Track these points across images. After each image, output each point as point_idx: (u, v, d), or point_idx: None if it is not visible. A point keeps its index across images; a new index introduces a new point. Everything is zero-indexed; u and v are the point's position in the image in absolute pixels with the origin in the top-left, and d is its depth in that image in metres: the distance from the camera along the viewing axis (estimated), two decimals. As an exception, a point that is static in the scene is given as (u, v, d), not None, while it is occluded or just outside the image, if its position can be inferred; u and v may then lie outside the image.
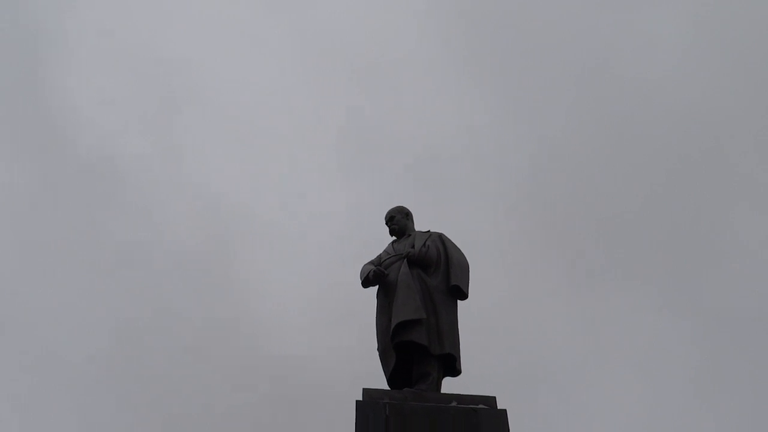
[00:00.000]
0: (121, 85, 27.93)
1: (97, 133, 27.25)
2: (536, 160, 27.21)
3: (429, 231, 9.31)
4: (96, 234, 25.87)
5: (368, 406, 7.36)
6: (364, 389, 7.66)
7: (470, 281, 8.82)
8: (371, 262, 9.12)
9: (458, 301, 8.75)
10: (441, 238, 9.12)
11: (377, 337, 8.61)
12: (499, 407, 7.60)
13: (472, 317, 9.71)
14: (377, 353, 8.60)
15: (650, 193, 26.10)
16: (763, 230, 24.37)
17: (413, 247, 8.90)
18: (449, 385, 8.43)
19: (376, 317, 8.71)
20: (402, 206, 9.68)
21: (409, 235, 9.29)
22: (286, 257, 27.49)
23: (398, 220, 9.45)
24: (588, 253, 25.44)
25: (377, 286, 8.87)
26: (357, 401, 7.42)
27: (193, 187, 27.68)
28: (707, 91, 26.19)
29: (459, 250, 9.07)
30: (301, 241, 27.48)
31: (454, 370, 8.37)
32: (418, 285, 8.51)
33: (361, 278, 8.99)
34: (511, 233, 24.62)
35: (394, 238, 9.45)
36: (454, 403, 7.56)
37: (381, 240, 9.40)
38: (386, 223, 9.54)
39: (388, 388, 8.11)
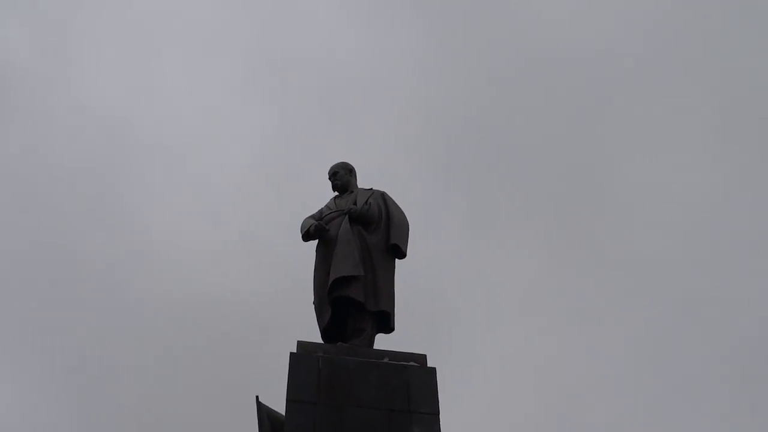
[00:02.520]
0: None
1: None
2: (442, 97, 27.58)
3: (372, 189, 9.37)
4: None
5: (302, 359, 7.49)
6: (298, 342, 7.77)
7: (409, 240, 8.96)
8: (312, 216, 9.15)
9: (396, 260, 8.90)
10: (383, 196, 9.20)
11: (314, 291, 8.68)
12: (429, 365, 7.82)
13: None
14: (312, 306, 8.70)
15: (549, 136, 26.83)
16: (653, 177, 25.52)
17: (355, 203, 8.95)
18: (382, 342, 8.61)
19: (314, 271, 8.78)
20: (346, 162, 9.70)
21: (352, 191, 9.33)
22: (189, 183, 26.76)
23: (341, 176, 9.47)
24: (486, 192, 26.15)
25: (317, 241, 8.92)
26: (291, 353, 7.54)
27: (86, 104, 26.39)
28: (611, 36, 26.79)
29: (400, 209, 9.17)
30: (205, 168, 26.84)
31: (388, 327, 8.53)
32: (357, 242, 8.59)
33: (301, 232, 9.02)
34: (413, 169, 24.83)
35: (336, 193, 9.48)
36: (386, 359, 7.74)
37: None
38: (329, 178, 9.55)
39: (322, 342, 8.24)
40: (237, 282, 24.03)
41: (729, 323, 22.56)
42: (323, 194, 9.62)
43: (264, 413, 8.20)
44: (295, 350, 7.63)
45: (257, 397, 8.43)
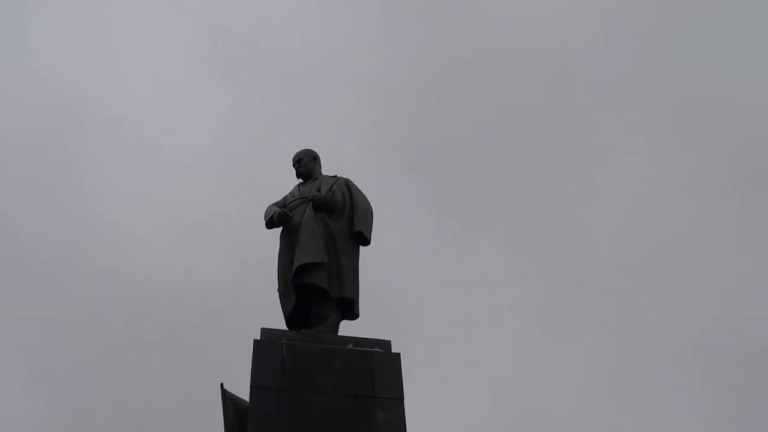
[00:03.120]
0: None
1: None
2: (402, 84, 27.52)
3: (336, 176, 9.35)
4: None
5: (265, 346, 7.46)
6: (262, 329, 7.73)
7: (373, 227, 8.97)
8: (276, 204, 9.11)
9: (360, 247, 8.90)
10: (347, 183, 9.19)
11: (278, 278, 8.66)
12: (393, 351, 7.85)
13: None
14: (277, 293, 8.67)
15: (512, 125, 27.06)
16: (611, 174, 25.96)
17: (319, 191, 8.93)
18: (348, 329, 8.62)
19: (279, 258, 8.75)
20: (310, 149, 9.66)
21: (316, 178, 9.31)
22: (140, 163, 26.36)
23: (306, 163, 9.43)
24: (448, 180, 26.30)
25: (281, 228, 8.89)
26: (255, 340, 7.50)
27: (38, 81, 25.90)
28: (571, 31, 27.10)
29: (364, 196, 9.17)
30: (161, 146, 26.44)
31: (352, 314, 8.54)
32: (321, 229, 8.57)
33: (265, 219, 8.97)
34: (373, 156, 24.89)
35: (300, 180, 9.45)
36: (350, 346, 7.75)
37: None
38: (293, 165, 9.51)
39: (287, 329, 8.22)
40: (197, 264, 23.85)
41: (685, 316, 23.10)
42: (281, 174, 9.56)
43: (228, 400, 8.16)
44: (258, 337, 7.59)
45: (222, 384, 8.38)
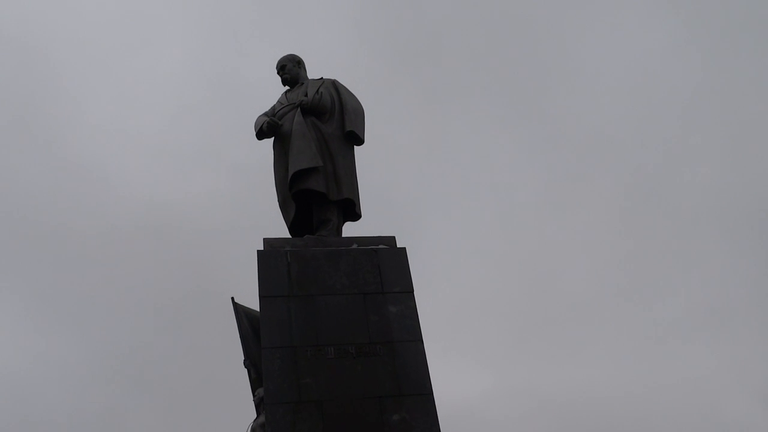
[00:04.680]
0: None
1: None
2: None
3: (322, 78, 9.10)
4: None
5: (270, 255, 7.41)
6: (264, 239, 7.66)
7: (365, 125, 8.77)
8: (265, 114, 8.91)
9: (355, 147, 8.74)
10: (334, 84, 8.94)
11: (276, 188, 8.56)
12: (398, 245, 7.80)
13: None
14: (277, 204, 8.59)
15: (499, 9, 26.27)
16: (599, 48, 25.32)
17: (306, 95, 8.70)
18: (352, 229, 8.57)
19: (274, 168, 8.62)
20: (293, 54, 9.38)
21: (302, 83, 9.07)
22: (124, 83, 26.02)
23: (289, 69, 9.17)
24: (437, 69, 25.76)
25: (273, 138, 8.72)
26: (258, 251, 7.44)
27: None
28: None
29: (353, 95, 8.93)
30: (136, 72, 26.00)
31: (354, 215, 8.47)
32: (313, 133, 8.39)
33: (255, 130, 8.80)
34: (358, 51, 24.38)
35: (287, 87, 9.22)
36: (354, 246, 7.69)
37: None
38: (278, 73, 9.26)
39: (289, 237, 8.18)
40: (191, 185, 23.84)
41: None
42: (266, 80, 9.31)
43: (241, 313, 8.25)
44: (262, 248, 7.54)
45: (233, 298, 8.46)
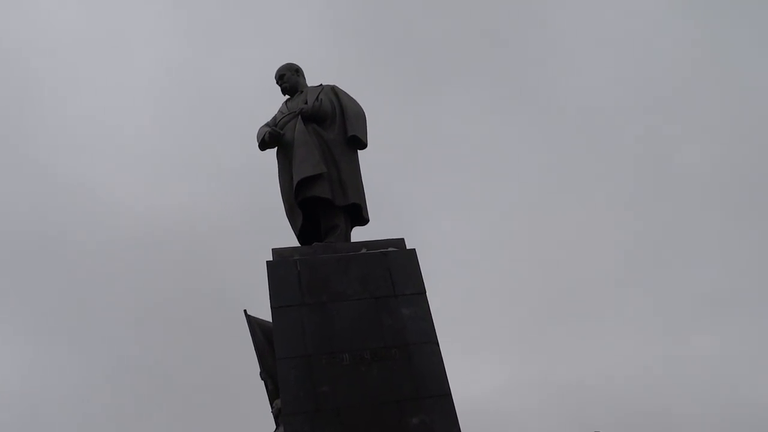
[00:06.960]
0: None
1: None
2: None
3: (321, 85, 9.07)
4: None
5: (279, 265, 7.36)
6: (273, 249, 7.62)
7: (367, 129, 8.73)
8: (267, 124, 8.89)
9: (359, 151, 8.70)
10: (334, 89, 8.91)
11: (282, 198, 8.53)
12: (408, 247, 7.74)
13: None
14: (284, 214, 8.55)
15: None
16: (583, 25, 25.13)
17: (306, 103, 8.68)
18: (361, 234, 8.51)
19: (279, 178, 8.59)
20: (291, 63, 9.36)
21: (301, 91, 9.05)
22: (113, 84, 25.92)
23: (288, 78, 9.16)
24: (420, 55, 25.54)
25: (276, 148, 8.70)
26: (267, 261, 7.39)
27: None
28: None
29: (353, 99, 8.90)
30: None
31: (362, 219, 8.42)
32: (315, 140, 8.36)
33: (257, 141, 8.78)
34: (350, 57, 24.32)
35: (287, 96, 9.20)
36: (363, 250, 7.62)
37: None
38: (277, 83, 9.25)
39: (299, 245, 8.14)
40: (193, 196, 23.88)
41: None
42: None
43: (254, 325, 8.21)
44: (270, 258, 7.50)
45: (245, 311, 8.42)
